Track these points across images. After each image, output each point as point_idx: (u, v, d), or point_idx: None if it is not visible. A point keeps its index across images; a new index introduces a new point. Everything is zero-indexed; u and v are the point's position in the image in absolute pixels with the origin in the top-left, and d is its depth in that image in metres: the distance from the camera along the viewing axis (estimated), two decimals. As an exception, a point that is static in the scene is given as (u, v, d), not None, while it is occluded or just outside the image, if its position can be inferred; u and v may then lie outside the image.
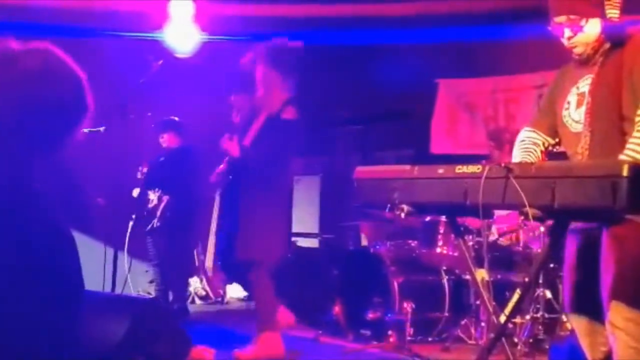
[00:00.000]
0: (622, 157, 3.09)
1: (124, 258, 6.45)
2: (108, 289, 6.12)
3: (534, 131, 3.59)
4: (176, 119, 7.30)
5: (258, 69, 5.40)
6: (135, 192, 7.22)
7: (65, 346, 1.43)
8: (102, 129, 6.44)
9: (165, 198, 7.00)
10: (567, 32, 3.30)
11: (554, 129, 3.51)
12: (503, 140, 6.19)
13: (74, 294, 1.47)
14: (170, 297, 7.25)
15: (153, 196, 7.02)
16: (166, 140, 7.21)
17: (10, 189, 1.48)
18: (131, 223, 7.11)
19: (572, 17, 3.28)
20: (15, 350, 1.36)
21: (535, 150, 3.54)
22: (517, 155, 3.57)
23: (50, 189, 1.60)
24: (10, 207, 1.44)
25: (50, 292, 1.41)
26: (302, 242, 8.47)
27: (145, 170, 7.15)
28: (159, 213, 6.98)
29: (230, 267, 5.71)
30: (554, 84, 3.59)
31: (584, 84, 3.34)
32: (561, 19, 3.31)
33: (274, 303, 5.28)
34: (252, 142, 5.35)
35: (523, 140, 3.60)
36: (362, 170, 3.55)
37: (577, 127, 3.34)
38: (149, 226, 7.01)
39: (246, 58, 5.49)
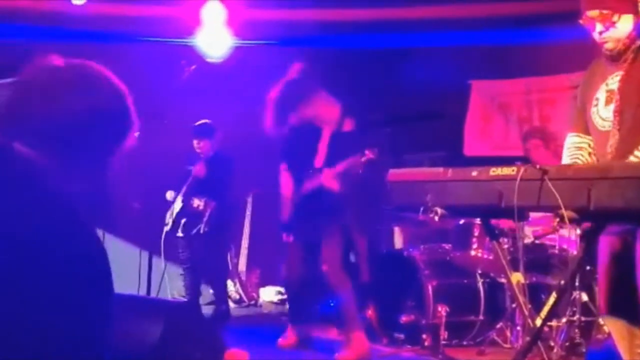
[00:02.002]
0: (632, 158, 3.06)
1: (158, 262, 6.49)
2: (143, 292, 6.17)
3: (576, 135, 3.54)
4: (208, 122, 7.30)
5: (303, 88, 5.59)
6: (169, 194, 7.26)
7: (93, 348, 1.43)
8: (136, 134, 6.48)
9: (212, 203, 7.06)
10: (599, 27, 3.26)
11: None
12: (549, 137, 6.15)
13: (102, 296, 1.47)
14: (211, 300, 7.36)
15: (199, 202, 7.07)
16: (201, 147, 7.22)
17: (42, 200, 1.48)
18: (166, 228, 7.19)
19: (604, 12, 3.24)
20: (41, 353, 1.36)
21: (582, 155, 3.49)
22: (566, 162, 3.53)
23: (78, 190, 1.59)
24: (36, 211, 1.44)
25: (78, 294, 1.41)
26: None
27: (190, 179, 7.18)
28: (205, 218, 7.04)
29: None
30: (585, 80, 3.55)
31: (613, 81, 3.30)
32: (593, 13, 3.27)
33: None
34: (324, 162, 5.54)
35: (568, 148, 3.56)
36: (395, 173, 3.54)
37: (605, 125, 3.30)
38: (195, 230, 7.07)
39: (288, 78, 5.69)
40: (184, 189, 7.19)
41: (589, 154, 3.48)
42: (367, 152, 5.31)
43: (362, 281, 5.91)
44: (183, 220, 7.16)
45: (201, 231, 7.03)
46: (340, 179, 5.45)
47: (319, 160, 5.56)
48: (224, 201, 7.21)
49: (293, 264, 5.93)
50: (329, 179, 5.47)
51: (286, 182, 5.81)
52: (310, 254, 5.71)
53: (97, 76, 1.65)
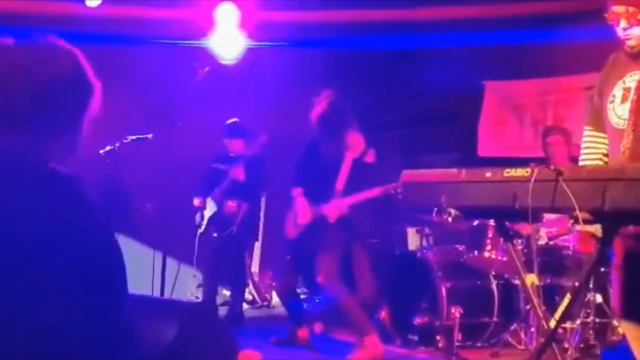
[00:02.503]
0: None
1: (172, 262, 6.51)
2: (157, 293, 6.18)
3: (592, 130, 3.54)
4: (237, 120, 7.25)
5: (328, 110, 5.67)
6: (196, 201, 7.28)
7: (111, 349, 1.43)
8: (149, 135, 6.51)
9: (245, 205, 7.07)
10: (623, 23, 3.26)
11: None
12: (569, 134, 6.12)
13: (117, 295, 1.47)
14: (224, 301, 7.38)
15: (232, 204, 7.07)
16: (234, 147, 7.18)
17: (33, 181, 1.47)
18: (200, 230, 7.22)
19: (630, 9, 3.23)
20: (59, 354, 1.36)
21: (602, 151, 3.48)
22: (586, 161, 3.52)
23: (91, 185, 1.58)
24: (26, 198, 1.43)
25: (92, 293, 1.41)
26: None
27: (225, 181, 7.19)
28: (238, 220, 7.05)
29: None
30: (603, 73, 3.54)
31: (631, 79, 3.29)
32: (619, 9, 3.26)
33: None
34: (344, 186, 5.66)
35: (587, 146, 3.54)
36: (409, 174, 3.53)
37: (619, 123, 3.29)
38: (227, 232, 7.09)
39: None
40: (217, 190, 7.18)
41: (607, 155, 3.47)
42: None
43: (362, 296, 5.90)
44: (216, 223, 7.20)
45: (234, 232, 7.05)
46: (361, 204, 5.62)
47: (340, 183, 5.66)
48: (256, 203, 7.26)
49: (288, 277, 6.25)
50: (342, 209, 5.62)
51: (304, 210, 5.84)
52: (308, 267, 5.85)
53: (49, 47, 1.62)
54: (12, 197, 1.42)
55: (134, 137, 6.56)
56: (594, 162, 3.49)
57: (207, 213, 7.26)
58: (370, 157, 5.72)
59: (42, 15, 6.84)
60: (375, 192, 5.57)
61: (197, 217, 7.31)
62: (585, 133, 3.59)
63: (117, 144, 6.51)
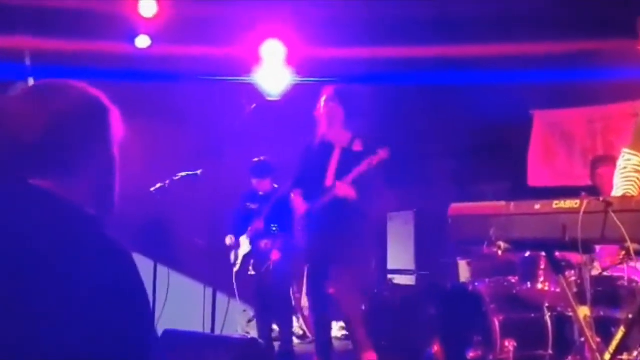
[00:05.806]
0: None
1: (222, 298, 6.54)
2: (208, 328, 6.21)
3: (635, 155, 3.51)
4: (264, 159, 7.32)
5: (325, 106, 5.70)
6: (228, 239, 7.33)
7: None
8: (199, 172, 6.59)
9: (278, 242, 7.10)
10: None
11: None
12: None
13: (137, 315, 1.47)
14: (275, 336, 7.38)
15: (266, 241, 7.12)
16: (262, 186, 7.26)
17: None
18: (235, 268, 7.26)
19: None
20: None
21: (639, 179, 3.45)
22: (620, 184, 3.49)
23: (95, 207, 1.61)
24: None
25: (109, 314, 1.41)
26: (398, 280, 8.40)
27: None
28: (274, 254, 7.09)
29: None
30: None
31: None
32: None
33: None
34: (334, 179, 5.58)
35: (625, 168, 3.52)
36: (457, 207, 3.52)
37: None
38: (264, 268, 7.12)
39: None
40: (250, 229, 7.25)
41: None
42: (380, 151, 5.41)
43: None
44: (251, 260, 7.24)
45: (270, 269, 7.07)
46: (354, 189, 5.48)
47: (329, 178, 5.61)
48: (290, 235, 7.29)
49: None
50: (342, 189, 5.49)
51: (299, 203, 5.83)
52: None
53: (57, 87, 1.66)
54: (33, 232, 1.44)
55: (183, 174, 6.65)
56: (629, 181, 3.46)
57: (242, 251, 7.30)
58: (357, 146, 5.64)
59: (95, 55, 7.01)
60: (362, 166, 5.43)
61: (232, 255, 7.33)
62: (627, 151, 3.56)
63: (167, 181, 6.59)
